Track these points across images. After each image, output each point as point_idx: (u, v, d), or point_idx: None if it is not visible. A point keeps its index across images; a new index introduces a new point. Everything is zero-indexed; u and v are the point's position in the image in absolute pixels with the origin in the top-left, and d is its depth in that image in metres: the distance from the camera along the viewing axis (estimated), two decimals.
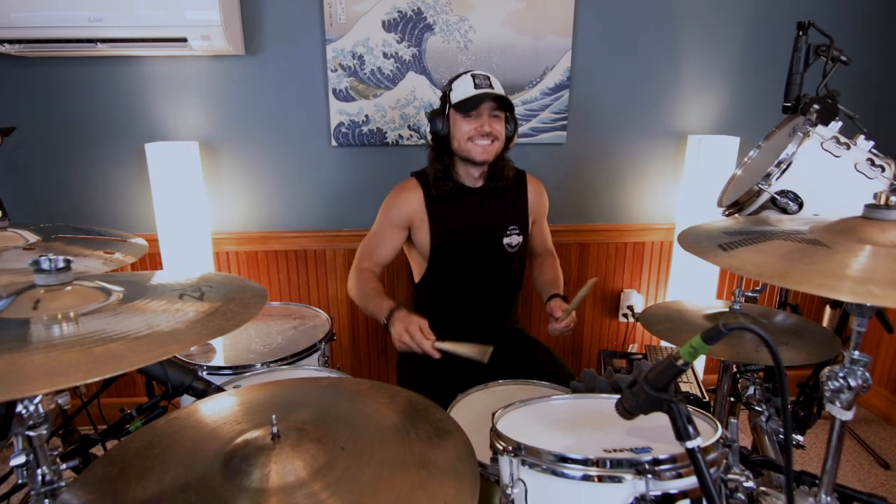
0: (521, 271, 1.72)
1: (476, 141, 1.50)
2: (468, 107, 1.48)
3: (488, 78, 1.51)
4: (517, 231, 1.63)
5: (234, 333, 1.65)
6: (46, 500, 0.82)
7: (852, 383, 0.80)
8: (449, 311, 1.65)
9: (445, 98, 1.54)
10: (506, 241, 1.62)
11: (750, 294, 1.39)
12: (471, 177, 1.59)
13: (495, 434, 0.85)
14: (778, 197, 1.24)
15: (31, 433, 0.80)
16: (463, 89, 1.49)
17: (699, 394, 1.76)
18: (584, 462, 0.76)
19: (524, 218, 1.66)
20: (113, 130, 2.08)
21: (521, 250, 1.66)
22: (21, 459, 0.82)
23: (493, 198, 1.60)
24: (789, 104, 1.39)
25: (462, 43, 2.06)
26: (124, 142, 2.09)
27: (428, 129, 1.57)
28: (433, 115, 1.55)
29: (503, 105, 1.50)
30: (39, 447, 0.81)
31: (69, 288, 0.78)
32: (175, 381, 1.06)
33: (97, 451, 1.05)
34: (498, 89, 1.50)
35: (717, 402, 1.46)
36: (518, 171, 1.65)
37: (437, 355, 1.27)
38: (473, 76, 1.50)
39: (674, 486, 0.75)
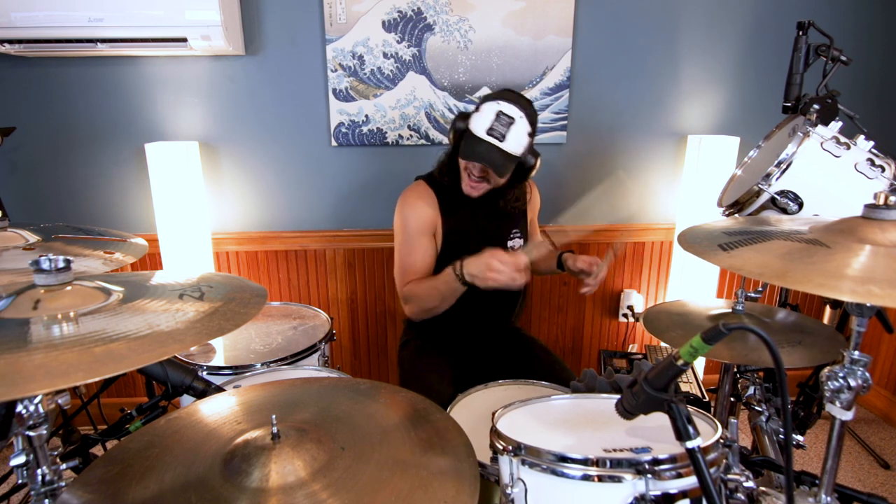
0: None
1: (470, 176, 1.46)
2: (465, 153, 1.38)
3: (510, 124, 1.33)
4: (519, 235, 1.64)
5: (234, 333, 1.65)
6: (46, 500, 0.82)
7: (852, 383, 0.80)
8: (452, 313, 1.65)
9: (469, 115, 1.43)
10: (510, 244, 1.63)
11: (752, 294, 1.39)
12: None
13: (495, 434, 0.85)
14: (778, 197, 1.24)
15: (31, 433, 0.80)
16: (480, 122, 1.36)
17: (699, 394, 1.76)
18: (584, 462, 0.76)
19: (525, 221, 1.68)
20: (113, 130, 2.08)
21: None
22: (21, 459, 0.82)
23: (500, 204, 1.60)
24: (789, 104, 1.39)
25: (462, 43, 2.06)
26: (124, 142, 2.09)
27: (450, 132, 1.48)
28: (455, 120, 1.45)
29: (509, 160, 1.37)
30: (39, 447, 0.81)
31: (69, 288, 0.78)
32: (175, 381, 1.07)
33: (97, 451, 1.06)
34: (510, 145, 1.35)
35: (718, 402, 1.46)
36: None
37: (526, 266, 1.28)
38: (498, 115, 1.34)
39: (674, 486, 0.75)
